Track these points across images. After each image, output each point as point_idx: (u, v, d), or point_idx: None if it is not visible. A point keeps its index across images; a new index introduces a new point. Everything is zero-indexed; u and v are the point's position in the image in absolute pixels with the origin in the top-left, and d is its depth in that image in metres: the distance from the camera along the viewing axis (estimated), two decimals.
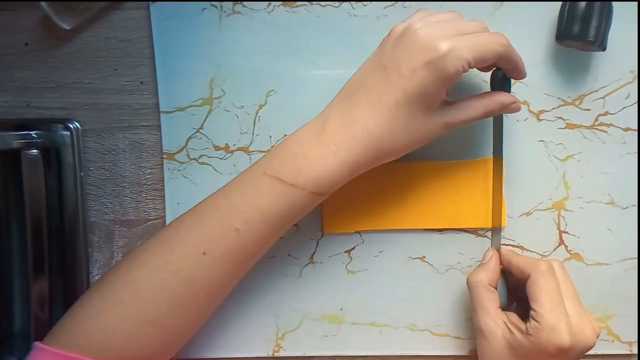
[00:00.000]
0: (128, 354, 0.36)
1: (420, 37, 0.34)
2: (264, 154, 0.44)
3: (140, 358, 0.37)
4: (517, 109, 0.39)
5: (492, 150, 0.42)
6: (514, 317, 0.39)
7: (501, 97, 0.38)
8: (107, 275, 0.38)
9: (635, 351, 0.43)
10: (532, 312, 0.37)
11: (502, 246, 0.42)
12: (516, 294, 0.41)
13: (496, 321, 0.38)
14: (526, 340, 0.37)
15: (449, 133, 0.37)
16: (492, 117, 0.41)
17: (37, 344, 0.37)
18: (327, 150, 0.35)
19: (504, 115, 0.41)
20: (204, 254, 0.36)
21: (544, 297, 0.37)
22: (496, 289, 0.40)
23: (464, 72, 0.34)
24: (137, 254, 0.38)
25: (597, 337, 0.37)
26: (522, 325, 0.37)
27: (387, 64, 0.35)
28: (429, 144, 0.37)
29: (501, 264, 0.41)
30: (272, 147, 0.44)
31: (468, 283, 0.40)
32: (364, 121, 0.35)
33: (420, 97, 0.35)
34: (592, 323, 0.38)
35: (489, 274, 0.40)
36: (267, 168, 0.36)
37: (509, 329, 0.38)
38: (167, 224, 0.44)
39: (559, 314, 0.36)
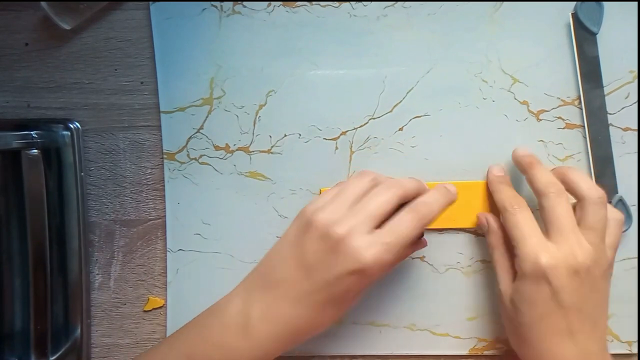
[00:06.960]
0: None
1: (344, 246, 0.34)
2: (264, 154, 0.44)
3: None
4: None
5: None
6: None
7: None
8: None
9: (635, 351, 0.43)
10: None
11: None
12: None
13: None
14: (516, 282, 0.37)
15: None
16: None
17: None
18: (253, 343, 0.36)
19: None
20: None
21: (516, 232, 0.37)
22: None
23: None
24: None
25: (592, 252, 0.35)
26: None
27: (311, 264, 0.35)
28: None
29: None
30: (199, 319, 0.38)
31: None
32: (288, 318, 0.36)
33: (346, 296, 0.35)
34: (582, 242, 0.35)
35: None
36: (191, 353, 0.37)
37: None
38: (166, 226, 0.45)
39: (533, 240, 0.36)
